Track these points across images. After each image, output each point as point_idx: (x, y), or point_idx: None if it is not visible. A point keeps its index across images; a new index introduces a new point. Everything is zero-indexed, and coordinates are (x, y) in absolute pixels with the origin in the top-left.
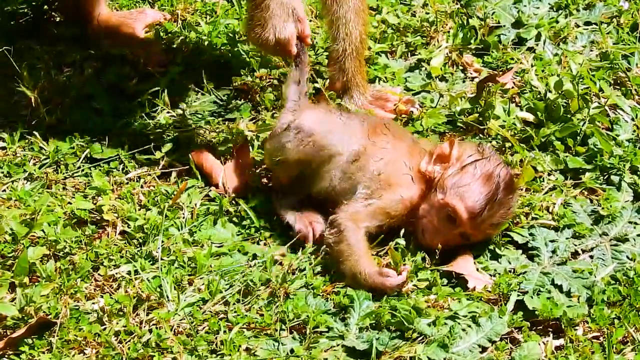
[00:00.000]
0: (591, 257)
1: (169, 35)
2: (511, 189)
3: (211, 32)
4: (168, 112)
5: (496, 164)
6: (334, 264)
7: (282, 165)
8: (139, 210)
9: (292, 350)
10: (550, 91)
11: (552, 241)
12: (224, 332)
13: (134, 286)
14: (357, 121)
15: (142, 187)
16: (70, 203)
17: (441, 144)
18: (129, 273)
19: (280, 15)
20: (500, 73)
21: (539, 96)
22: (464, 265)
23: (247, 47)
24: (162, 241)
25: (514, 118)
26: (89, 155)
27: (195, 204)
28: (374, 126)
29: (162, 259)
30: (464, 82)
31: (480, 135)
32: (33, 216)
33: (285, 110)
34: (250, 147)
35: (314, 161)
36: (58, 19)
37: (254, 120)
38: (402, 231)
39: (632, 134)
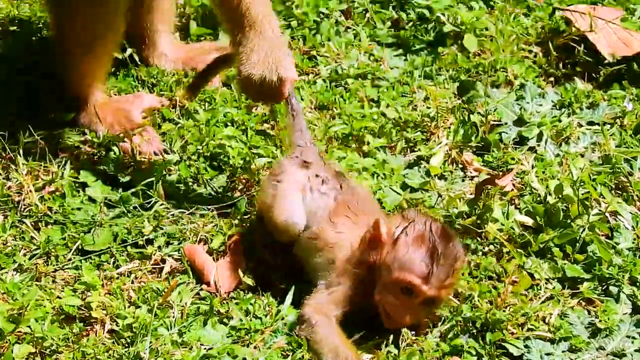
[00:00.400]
0: None
1: (167, 122)
2: (448, 238)
3: (209, 120)
4: (162, 204)
5: (423, 222)
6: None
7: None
8: (129, 307)
9: None
10: (550, 194)
11: (547, 354)
12: None
13: None
14: (331, 197)
15: (132, 282)
16: (60, 297)
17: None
18: None
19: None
20: (500, 174)
21: (538, 199)
22: None
23: (245, 137)
24: (151, 342)
25: (513, 222)
26: (80, 247)
27: (186, 303)
28: (343, 203)
29: None
30: (463, 181)
31: (478, 238)
32: (21, 311)
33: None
34: (244, 244)
35: None
36: (55, 103)
37: (249, 216)
38: (391, 337)
39: (632, 243)
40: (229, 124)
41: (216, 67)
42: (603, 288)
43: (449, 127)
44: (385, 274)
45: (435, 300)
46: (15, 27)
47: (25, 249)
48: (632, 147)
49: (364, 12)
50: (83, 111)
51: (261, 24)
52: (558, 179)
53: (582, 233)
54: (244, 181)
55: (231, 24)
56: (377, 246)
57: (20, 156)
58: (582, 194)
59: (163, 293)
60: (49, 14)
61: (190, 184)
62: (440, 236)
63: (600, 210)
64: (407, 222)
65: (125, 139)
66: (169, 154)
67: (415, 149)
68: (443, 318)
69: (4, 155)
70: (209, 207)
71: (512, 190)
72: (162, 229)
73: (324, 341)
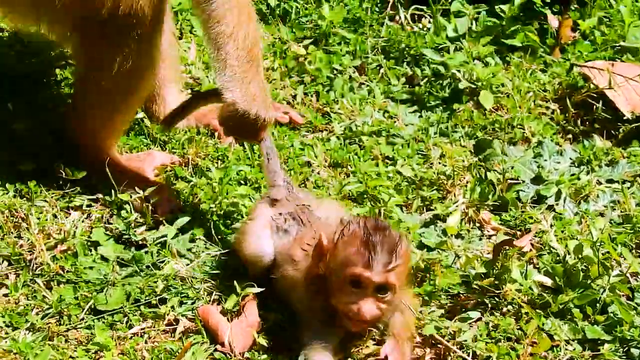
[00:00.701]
0: None
1: (179, 180)
2: (382, 228)
3: (222, 179)
4: (175, 264)
5: (357, 222)
6: None
7: None
8: None
9: None
10: (569, 254)
11: None
12: None
13: None
14: (292, 234)
15: (146, 342)
16: (73, 358)
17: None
18: None
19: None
20: (518, 234)
21: (557, 259)
22: None
23: (258, 195)
24: None
25: (532, 282)
26: (92, 306)
27: None
28: (300, 238)
29: None
30: (480, 240)
31: (496, 298)
32: None
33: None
34: (259, 305)
35: None
36: (67, 161)
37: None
38: None
39: None
40: (242, 182)
41: (197, 101)
42: (624, 350)
43: (466, 185)
44: (334, 278)
45: (387, 287)
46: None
47: (37, 308)
48: None
49: (377, 67)
50: (95, 170)
51: (258, 60)
52: (577, 239)
53: (602, 294)
54: None
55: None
56: (322, 256)
57: (32, 215)
58: (602, 255)
59: (177, 354)
60: (76, 73)
61: (203, 242)
62: (373, 228)
63: (620, 271)
64: (345, 226)
65: (139, 198)
66: (182, 212)
67: (432, 208)
68: None
69: (16, 214)
70: (223, 266)
71: (531, 250)
72: (175, 288)
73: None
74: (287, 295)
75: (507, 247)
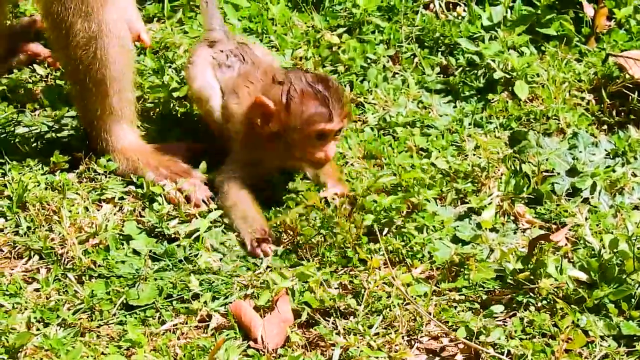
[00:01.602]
0: None
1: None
2: (324, 79)
3: None
4: (208, 258)
5: (299, 78)
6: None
7: None
8: None
9: None
10: (604, 248)
11: None
12: None
13: None
14: (235, 69)
15: (178, 339)
16: (104, 354)
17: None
18: None
19: None
20: (553, 227)
21: (592, 253)
22: None
23: (291, 184)
24: None
25: (567, 277)
26: (124, 302)
27: None
28: (244, 74)
29: None
30: (515, 233)
31: (531, 293)
32: None
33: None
34: (292, 300)
35: None
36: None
37: (296, 269)
38: None
39: None
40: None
41: None
42: None
43: (500, 178)
44: (294, 134)
45: (343, 128)
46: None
47: (69, 304)
48: None
49: (412, 57)
50: (122, 159)
51: None
52: (612, 233)
53: (637, 289)
54: (290, 233)
55: None
56: (271, 118)
57: (64, 208)
58: (638, 249)
59: (210, 350)
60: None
61: (236, 236)
62: (319, 82)
63: None
64: (287, 86)
65: (172, 184)
66: (214, 202)
67: (466, 201)
68: None
69: (47, 206)
70: (255, 261)
71: (566, 244)
72: (208, 283)
73: (235, 207)
74: (225, 124)
75: (543, 242)
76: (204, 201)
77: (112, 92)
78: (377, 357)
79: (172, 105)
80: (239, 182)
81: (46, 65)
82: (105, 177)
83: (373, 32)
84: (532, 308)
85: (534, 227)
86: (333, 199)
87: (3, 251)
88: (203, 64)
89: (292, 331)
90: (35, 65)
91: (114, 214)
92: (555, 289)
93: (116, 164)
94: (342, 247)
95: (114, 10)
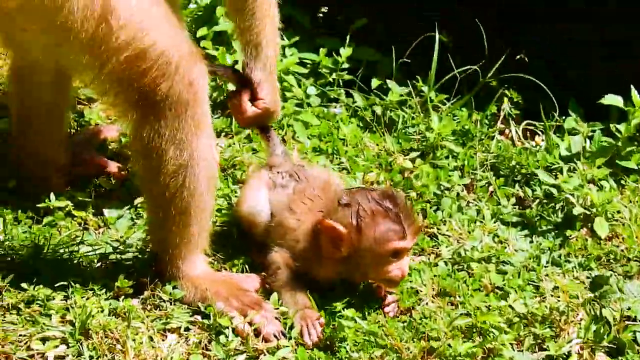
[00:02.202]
0: None
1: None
2: (390, 195)
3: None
4: None
5: (365, 198)
6: None
7: None
8: None
9: None
10: None
11: None
12: None
13: None
14: (290, 188)
15: None
16: None
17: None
18: None
19: None
20: None
21: None
22: None
23: (366, 322)
24: None
25: None
26: None
27: None
28: (300, 191)
29: None
30: None
31: None
32: None
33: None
34: None
35: None
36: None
37: None
38: None
39: None
40: (344, 308)
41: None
42: None
43: (579, 323)
44: (368, 255)
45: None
46: None
47: None
48: None
49: (486, 185)
50: (190, 287)
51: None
52: None
53: None
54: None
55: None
56: (342, 242)
57: (128, 338)
58: None
59: None
60: (151, 185)
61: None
62: (385, 198)
63: None
64: (355, 207)
65: (241, 317)
66: (286, 337)
67: (545, 347)
68: None
69: (111, 334)
70: None
71: None
72: None
73: (285, 287)
74: (277, 240)
75: None
76: (275, 336)
77: (194, 221)
78: None
79: (241, 230)
80: (292, 267)
81: (111, 179)
82: (171, 304)
83: (447, 157)
84: None
85: None
86: (385, 307)
87: None
88: (258, 185)
89: None
90: (99, 179)
91: (180, 346)
92: None
93: (183, 292)
94: None
95: (206, 138)
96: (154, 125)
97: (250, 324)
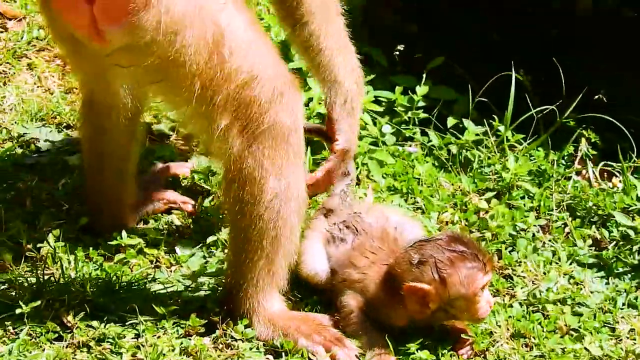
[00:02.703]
0: None
1: None
2: (458, 238)
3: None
4: None
5: (438, 248)
6: None
7: None
8: None
9: None
10: None
11: None
12: None
13: None
14: (348, 242)
15: None
16: None
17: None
18: None
19: None
20: None
21: None
22: None
23: None
24: None
25: None
26: None
27: None
28: (359, 246)
29: None
30: None
31: None
32: None
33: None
34: None
35: None
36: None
37: None
38: None
39: None
40: (418, 349)
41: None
42: None
43: None
44: (457, 304)
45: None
46: None
47: None
48: None
49: (562, 226)
50: (268, 324)
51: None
52: None
53: None
54: None
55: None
56: (430, 299)
57: None
58: None
59: None
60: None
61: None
62: (453, 242)
63: None
64: (431, 261)
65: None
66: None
67: None
68: None
69: None
70: None
71: None
72: None
73: (361, 330)
74: (341, 295)
75: None
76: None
77: (281, 255)
78: None
79: None
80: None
81: (183, 216)
82: (243, 342)
83: (522, 198)
84: None
85: None
86: (459, 350)
87: None
88: (315, 241)
89: None
90: (171, 216)
91: None
92: None
93: (259, 329)
94: None
95: (300, 168)
96: (256, 155)
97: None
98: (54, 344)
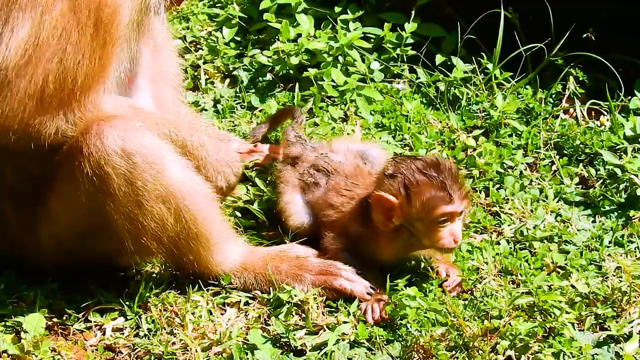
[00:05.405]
0: None
1: None
2: (434, 163)
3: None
4: None
5: (409, 168)
6: None
7: None
8: None
9: None
10: None
11: None
12: None
13: None
14: (322, 184)
15: None
16: None
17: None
18: None
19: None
20: None
21: None
22: None
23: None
24: None
25: None
26: None
27: None
28: (334, 186)
29: None
30: None
31: None
32: None
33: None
34: None
35: None
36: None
37: None
38: None
39: None
40: (406, 287)
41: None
42: None
43: None
44: (419, 224)
45: (466, 210)
46: None
47: None
48: None
49: (550, 164)
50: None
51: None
52: None
53: None
54: (422, 352)
55: None
56: (394, 211)
57: (187, 312)
58: None
59: None
60: None
61: (365, 350)
62: (431, 167)
63: None
64: (400, 178)
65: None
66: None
67: (606, 327)
68: None
69: (169, 308)
70: None
71: None
72: None
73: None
74: (326, 230)
75: None
76: (368, 293)
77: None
78: None
79: None
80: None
81: None
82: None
83: (510, 136)
84: None
85: None
86: (447, 286)
87: (122, 353)
88: (291, 192)
89: None
90: None
91: (239, 320)
92: None
93: (234, 282)
94: None
95: None
96: None
97: (342, 292)
98: None
